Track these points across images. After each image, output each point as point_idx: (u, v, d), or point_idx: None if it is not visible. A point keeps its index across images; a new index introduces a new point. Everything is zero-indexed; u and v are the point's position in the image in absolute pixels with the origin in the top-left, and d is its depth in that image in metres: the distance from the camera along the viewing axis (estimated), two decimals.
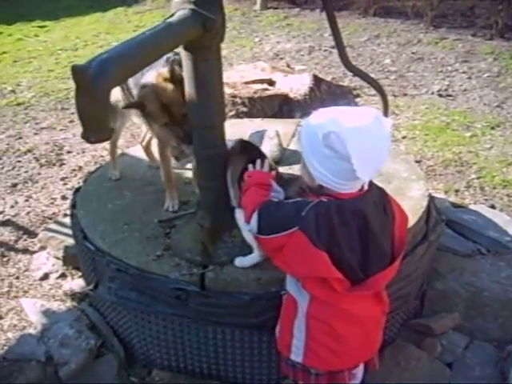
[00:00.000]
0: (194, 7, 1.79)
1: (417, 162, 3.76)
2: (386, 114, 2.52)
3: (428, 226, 2.52)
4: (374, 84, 2.55)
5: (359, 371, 2.01)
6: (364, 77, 2.48)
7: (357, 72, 2.33)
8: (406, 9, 6.90)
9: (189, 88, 2.01)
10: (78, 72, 1.18)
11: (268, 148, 2.68)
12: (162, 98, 2.18)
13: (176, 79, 2.18)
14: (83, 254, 2.46)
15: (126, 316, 2.33)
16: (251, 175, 1.92)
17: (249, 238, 2.01)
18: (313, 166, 1.59)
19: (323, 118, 1.58)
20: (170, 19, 1.75)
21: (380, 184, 2.59)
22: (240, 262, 2.09)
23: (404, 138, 4.10)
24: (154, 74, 2.21)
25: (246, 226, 1.83)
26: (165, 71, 2.20)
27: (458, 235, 3.04)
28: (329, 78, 5.06)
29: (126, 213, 2.52)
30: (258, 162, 2.01)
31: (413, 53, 5.84)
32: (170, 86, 2.19)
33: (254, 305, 2.03)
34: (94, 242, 2.35)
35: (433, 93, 4.90)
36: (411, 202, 2.50)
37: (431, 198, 2.68)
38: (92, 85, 1.19)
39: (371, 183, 1.68)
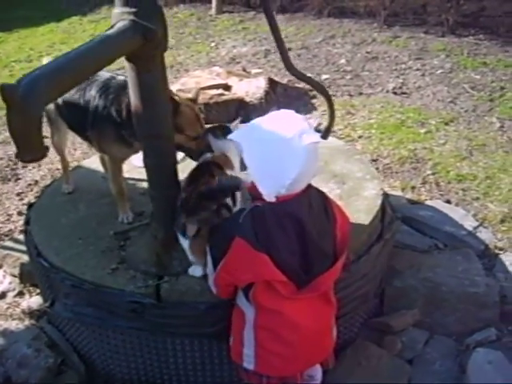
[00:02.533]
0: (134, 18, 1.79)
1: (373, 160, 3.81)
2: (332, 117, 2.54)
3: (383, 225, 2.56)
4: (319, 87, 2.57)
5: (317, 372, 2.05)
6: (308, 81, 2.48)
7: (300, 76, 2.33)
8: (359, 9, 6.97)
9: (134, 99, 1.99)
10: (6, 91, 1.15)
11: None
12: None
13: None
14: (38, 271, 2.42)
15: (84, 332, 2.30)
16: None
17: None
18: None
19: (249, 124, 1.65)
20: (109, 31, 1.74)
21: (335, 185, 2.67)
22: (192, 271, 2.08)
23: (360, 137, 4.14)
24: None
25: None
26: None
27: (416, 231, 3.08)
28: (285, 81, 5.07)
29: (80, 227, 2.49)
30: None
31: (367, 52, 5.91)
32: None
33: (210, 314, 2.03)
34: (47, 258, 2.31)
35: (388, 91, 4.96)
36: (366, 201, 2.53)
37: (386, 197, 2.72)
38: (22, 104, 1.16)
39: (309, 186, 1.72)
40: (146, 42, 1.80)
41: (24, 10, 8.81)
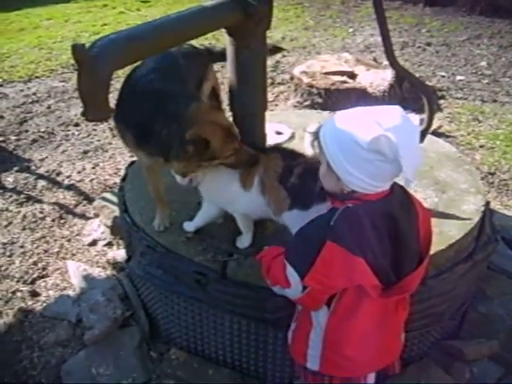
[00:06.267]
0: None
1: (490, 173, 3.54)
2: (430, 124, 2.36)
3: (477, 244, 2.36)
4: (423, 89, 2.40)
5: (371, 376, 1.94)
6: (411, 79, 2.30)
7: (403, 73, 2.19)
8: None
9: (230, 74, 1.99)
10: (78, 51, 1.18)
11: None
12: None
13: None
14: (123, 227, 2.52)
15: (153, 292, 2.38)
16: (263, 255, 1.80)
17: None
18: (348, 172, 1.49)
19: (358, 122, 1.49)
20: (208, 3, 1.74)
21: (433, 193, 2.51)
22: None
23: (482, 146, 3.85)
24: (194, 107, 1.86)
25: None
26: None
27: None
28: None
29: (170, 191, 2.54)
30: None
31: None
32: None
33: (271, 300, 1.99)
34: (132, 216, 2.40)
35: None
36: (462, 215, 2.35)
37: (488, 215, 2.50)
38: (91, 65, 1.19)
39: (394, 183, 1.59)
40: (246, 18, 1.78)
41: None
